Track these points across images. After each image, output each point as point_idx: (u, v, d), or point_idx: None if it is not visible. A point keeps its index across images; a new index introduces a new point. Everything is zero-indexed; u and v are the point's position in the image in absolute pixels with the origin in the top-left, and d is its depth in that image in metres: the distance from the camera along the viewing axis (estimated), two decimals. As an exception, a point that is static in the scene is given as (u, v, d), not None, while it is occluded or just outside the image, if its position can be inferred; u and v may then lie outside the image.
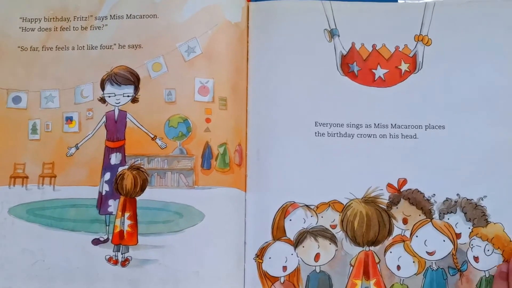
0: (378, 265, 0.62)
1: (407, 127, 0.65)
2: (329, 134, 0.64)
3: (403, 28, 0.67)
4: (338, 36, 0.67)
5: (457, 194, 0.63)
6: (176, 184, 0.64)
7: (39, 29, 0.68)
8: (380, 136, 0.64)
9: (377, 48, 0.67)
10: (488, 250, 0.62)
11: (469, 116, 0.65)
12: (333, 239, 0.63)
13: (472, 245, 0.62)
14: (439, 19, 0.66)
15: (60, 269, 0.62)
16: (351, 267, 0.62)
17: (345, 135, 0.64)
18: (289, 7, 0.67)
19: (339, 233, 0.63)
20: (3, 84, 0.67)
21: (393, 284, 0.62)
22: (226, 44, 0.66)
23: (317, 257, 0.62)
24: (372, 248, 0.62)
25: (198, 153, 0.65)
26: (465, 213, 0.62)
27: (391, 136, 0.64)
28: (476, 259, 0.62)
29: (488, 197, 0.63)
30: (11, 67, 0.67)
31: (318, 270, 0.62)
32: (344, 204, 0.63)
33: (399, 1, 0.69)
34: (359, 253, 0.62)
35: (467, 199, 0.63)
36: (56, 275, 0.62)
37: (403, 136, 0.64)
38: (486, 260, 0.62)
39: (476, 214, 0.62)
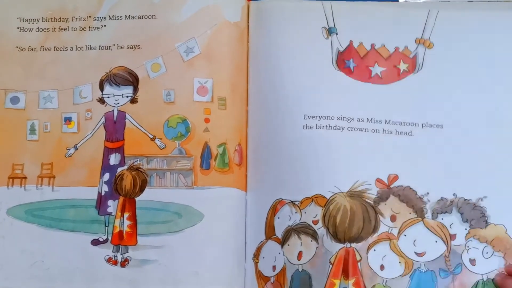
0: (359, 263, 0.59)
1: (402, 124, 0.63)
2: (317, 127, 0.62)
3: (404, 31, 0.66)
4: (336, 34, 0.66)
5: (454, 194, 0.61)
6: (175, 184, 0.64)
7: (37, 30, 0.68)
8: (373, 130, 0.63)
9: (376, 47, 0.66)
10: (487, 253, 0.59)
11: (470, 116, 0.63)
12: (314, 235, 0.60)
13: (468, 247, 0.59)
14: (443, 24, 0.66)
15: (59, 269, 0.62)
16: (331, 265, 0.59)
17: (334, 128, 0.62)
18: (289, 7, 0.67)
19: (320, 229, 0.60)
20: (1, 84, 0.67)
21: (374, 285, 0.58)
22: (225, 43, 0.66)
23: (299, 255, 0.60)
24: (353, 245, 0.59)
25: (197, 153, 0.65)
26: (461, 214, 0.60)
27: (384, 131, 0.63)
28: (472, 261, 0.59)
29: (488, 197, 0.61)
30: (9, 68, 0.67)
31: (300, 269, 0.60)
32: (328, 198, 0.60)
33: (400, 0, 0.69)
34: (339, 250, 0.59)
35: (465, 199, 0.61)
36: (56, 276, 0.62)
37: (397, 133, 0.63)
38: (485, 263, 0.59)
39: (475, 215, 0.60)
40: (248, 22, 0.67)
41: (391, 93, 0.64)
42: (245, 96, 0.66)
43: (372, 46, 0.66)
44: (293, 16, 0.66)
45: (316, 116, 0.63)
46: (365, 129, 0.63)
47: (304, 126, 0.63)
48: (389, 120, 0.63)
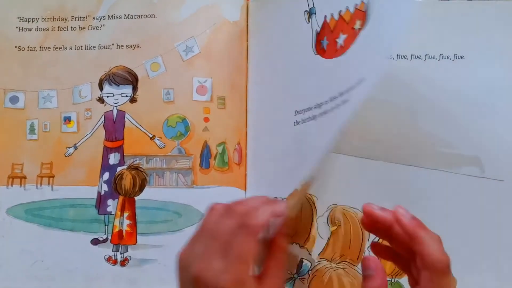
0: None
1: (351, 89, 0.54)
2: (303, 121, 0.60)
3: None
4: (315, 14, 0.63)
5: None
6: (175, 183, 0.64)
7: (36, 29, 0.68)
8: (331, 108, 0.56)
9: (341, 14, 0.60)
10: None
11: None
12: None
13: None
14: None
15: (59, 269, 0.62)
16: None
17: (311, 118, 0.59)
18: (288, 3, 0.65)
19: None
20: (0, 84, 0.67)
21: None
22: (225, 43, 0.66)
23: None
24: None
25: (196, 153, 0.65)
26: None
27: (337, 106, 0.55)
28: None
29: None
30: (8, 67, 0.67)
31: None
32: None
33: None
34: None
35: None
36: (55, 275, 0.62)
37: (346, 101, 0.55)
38: None
39: None
40: (247, 21, 0.67)
41: (347, 60, 0.58)
42: (244, 95, 0.66)
43: (339, 14, 0.60)
44: (284, 9, 0.64)
45: (301, 111, 0.60)
46: (329, 110, 0.57)
47: (294, 122, 0.61)
48: (342, 92, 0.55)
